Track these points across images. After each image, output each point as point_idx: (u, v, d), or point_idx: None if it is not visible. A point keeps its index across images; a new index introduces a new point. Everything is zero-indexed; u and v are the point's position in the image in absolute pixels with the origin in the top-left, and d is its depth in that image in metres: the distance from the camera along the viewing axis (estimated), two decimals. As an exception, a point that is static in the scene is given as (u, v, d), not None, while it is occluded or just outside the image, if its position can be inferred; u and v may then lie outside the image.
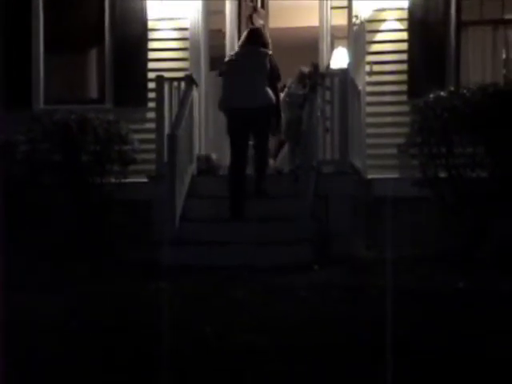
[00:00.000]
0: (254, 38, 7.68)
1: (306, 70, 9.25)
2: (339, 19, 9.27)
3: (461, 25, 8.56)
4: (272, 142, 8.90)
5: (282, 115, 8.37)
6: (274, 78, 7.57)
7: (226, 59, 7.85)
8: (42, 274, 6.33)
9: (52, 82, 9.19)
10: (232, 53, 8.01)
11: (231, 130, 7.56)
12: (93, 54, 9.25)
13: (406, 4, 8.51)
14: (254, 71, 7.47)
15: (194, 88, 8.06)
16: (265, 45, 7.74)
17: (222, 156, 8.43)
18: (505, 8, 8.53)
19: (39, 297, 5.36)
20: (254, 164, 7.67)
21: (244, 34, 7.99)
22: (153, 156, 7.88)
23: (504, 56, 8.65)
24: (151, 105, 8.48)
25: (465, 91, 7.45)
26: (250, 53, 7.59)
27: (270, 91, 7.46)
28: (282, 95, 8.69)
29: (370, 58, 8.59)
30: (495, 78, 8.33)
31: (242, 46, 7.78)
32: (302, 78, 9.18)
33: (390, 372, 3.48)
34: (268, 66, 7.50)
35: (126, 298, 5.41)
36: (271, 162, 8.85)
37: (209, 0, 9.02)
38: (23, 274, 5.89)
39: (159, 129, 7.77)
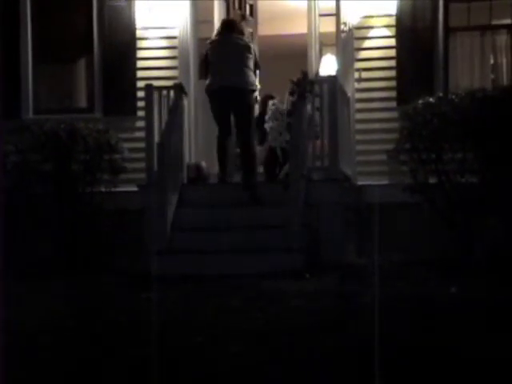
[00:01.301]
0: (230, 27, 7.87)
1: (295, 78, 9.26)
2: (327, 26, 9.29)
3: (449, 31, 8.60)
4: (262, 151, 8.96)
5: (271, 123, 8.49)
6: (256, 66, 7.83)
7: (208, 44, 7.93)
8: (30, 284, 6.29)
9: (41, 91, 9.18)
10: (211, 40, 8.01)
11: (215, 108, 7.77)
12: (82, 64, 9.24)
13: (393, 11, 8.54)
14: (240, 56, 7.68)
15: (184, 96, 8.06)
16: (241, 33, 7.93)
17: (212, 164, 8.43)
18: (492, 14, 8.57)
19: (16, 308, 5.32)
20: (240, 160, 7.86)
21: (220, 24, 8.17)
22: (143, 165, 7.87)
23: (492, 61, 8.69)
24: (141, 113, 8.47)
25: (453, 97, 7.49)
26: (233, 38, 7.77)
27: (253, 76, 7.73)
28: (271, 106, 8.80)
29: (358, 64, 8.61)
30: (483, 83, 8.36)
31: (219, 34, 7.94)
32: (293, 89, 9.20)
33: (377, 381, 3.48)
34: (253, 54, 7.74)
35: (114, 309, 5.39)
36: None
37: (197, 9, 9.03)
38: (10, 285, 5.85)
39: (149, 138, 7.76)
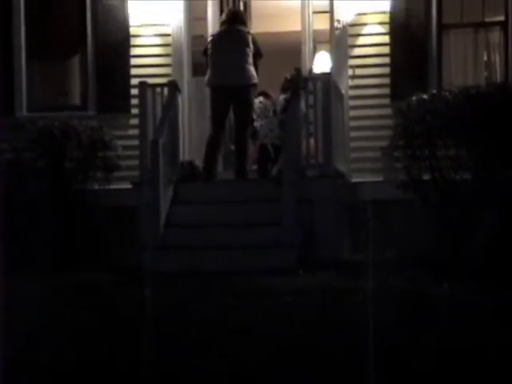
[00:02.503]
0: (234, 18, 7.94)
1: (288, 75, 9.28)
2: (321, 23, 9.29)
3: (442, 28, 8.60)
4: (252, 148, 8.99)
5: (260, 121, 8.55)
6: (257, 56, 7.89)
7: (209, 38, 8.04)
8: (24, 281, 6.28)
9: (35, 89, 9.17)
10: (214, 32, 8.17)
11: (214, 104, 7.91)
12: (75, 61, 9.22)
13: (387, 8, 8.53)
14: (238, 49, 7.76)
15: (178, 94, 8.05)
16: (244, 24, 7.99)
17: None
18: (485, 11, 8.58)
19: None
20: (234, 145, 7.96)
21: (223, 14, 8.22)
22: (137, 162, 7.86)
23: (485, 58, 8.70)
24: (134, 111, 8.46)
25: (447, 94, 7.49)
26: (232, 31, 7.85)
27: (253, 70, 7.77)
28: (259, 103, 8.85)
29: (352, 61, 8.61)
30: (477, 80, 8.38)
31: (222, 25, 8.02)
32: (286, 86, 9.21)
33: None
34: (251, 44, 7.80)
35: (107, 304, 5.39)
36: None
37: (191, 6, 9.02)
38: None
39: (143, 135, 7.75)
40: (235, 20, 7.93)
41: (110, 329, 4.68)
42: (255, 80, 7.86)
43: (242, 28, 7.92)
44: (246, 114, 7.91)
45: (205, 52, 8.05)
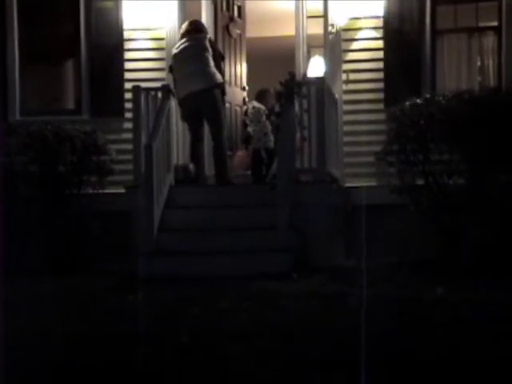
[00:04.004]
0: (191, 28, 8.05)
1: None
2: (315, 28, 9.30)
3: (436, 33, 8.62)
4: (246, 153, 9.03)
5: (253, 126, 8.58)
6: (216, 57, 7.96)
7: (172, 54, 8.15)
8: (17, 286, 6.26)
9: (28, 93, 9.14)
10: (175, 47, 8.22)
11: (186, 114, 8.04)
12: (69, 65, 9.21)
13: (381, 12, 8.55)
14: (197, 57, 7.85)
15: (171, 98, 8.05)
16: (201, 31, 8.10)
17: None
18: (479, 16, 8.60)
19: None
20: (212, 151, 8.01)
21: (183, 25, 8.32)
22: (130, 166, 7.85)
23: (479, 63, 8.72)
24: (128, 115, 8.45)
25: (440, 98, 7.50)
26: (189, 42, 7.95)
27: (214, 71, 7.85)
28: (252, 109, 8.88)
29: (346, 66, 8.62)
30: (470, 85, 8.40)
31: (181, 37, 8.13)
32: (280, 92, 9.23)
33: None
34: (209, 47, 7.88)
35: (101, 310, 5.37)
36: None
37: (185, 10, 9.02)
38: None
39: (136, 139, 7.74)
40: (191, 30, 8.03)
41: (96, 334, 4.65)
42: (219, 80, 7.91)
43: (198, 35, 7.99)
44: (216, 118, 7.95)
45: (170, 69, 8.17)
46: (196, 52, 7.90)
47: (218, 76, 7.91)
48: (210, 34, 9.17)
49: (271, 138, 8.92)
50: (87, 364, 4.03)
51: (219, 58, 8.06)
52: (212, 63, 7.89)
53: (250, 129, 8.95)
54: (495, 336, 4.35)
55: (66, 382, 3.82)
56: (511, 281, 6.03)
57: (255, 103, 9.16)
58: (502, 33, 8.47)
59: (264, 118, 8.98)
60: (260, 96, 9.25)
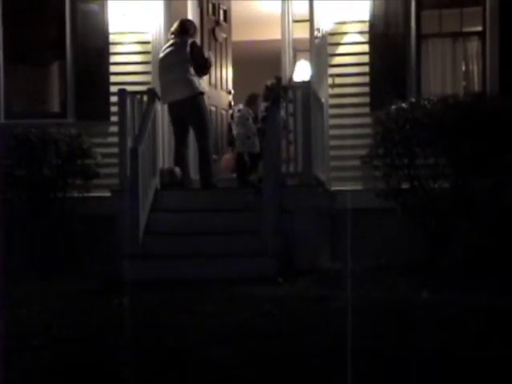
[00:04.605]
0: (178, 29, 8.08)
1: (269, 82, 9.31)
2: (301, 32, 9.32)
3: (421, 37, 8.66)
4: (231, 156, 9.02)
5: (238, 129, 8.60)
6: (198, 66, 7.96)
7: (158, 58, 8.19)
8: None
9: (13, 96, 9.09)
10: (162, 50, 8.25)
11: (171, 121, 8.19)
12: (54, 68, 9.17)
13: (367, 17, 8.58)
14: (177, 63, 7.89)
15: (157, 101, 8.04)
16: (188, 33, 8.07)
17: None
18: (463, 21, 8.65)
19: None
20: (198, 159, 8.07)
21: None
22: (116, 170, 7.82)
23: (463, 68, 8.77)
24: (114, 118, 8.42)
25: (426, 103, 7.54)
26: (172, 46, 8.00)
27: (194, 80, 7.88)
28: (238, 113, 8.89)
29: (332, 70, 8.64)
30: (455, 89, 8.44)
31: (168, 41, 8.17)
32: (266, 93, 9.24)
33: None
34: (189, 54, 7.88)
35: (86, 314, 5.35)
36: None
37: (171, 14, 9.01)
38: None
39: (122, 143, 7.71)
40: (179, 31, 8.06)
41: (77, 337, 4.63)
42: (198, 89, 7.93)
43: (182, 39, 7.99)
44: (199, 125, 7.99)
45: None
46: (177, 60, 7.91)
47: (197, 85, 7.92)
48: (196, 39, 9.20)
49: (256, 142, 8.91)
50: (66, 368, 4.00)
51: (200, 67, 7.99)
52: (193, 70, 7.89)
53: (234, 132, 8.96)
54: (479, 338, 4.37)
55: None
56: (496, 283, 6.05)
57: (241, 106, 9.17)
58: (486, 38, 8.52)
59: (250, 121, 8.98)
60: (250, 100, 9.25)
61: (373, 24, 8.57)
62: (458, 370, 3.82)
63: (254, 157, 8.77)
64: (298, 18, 9.45)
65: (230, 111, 9.52)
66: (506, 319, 4.89)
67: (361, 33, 8.61)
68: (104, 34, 8.81)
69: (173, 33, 8.14)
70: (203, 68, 8.07)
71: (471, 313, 5.03)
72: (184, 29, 8.10)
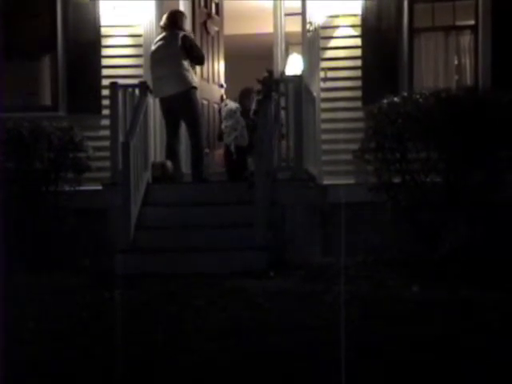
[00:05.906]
0: (168, 21, 8.06)
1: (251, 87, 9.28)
2: (293, 26, 9.30)
3: (413, 31, 8.65)
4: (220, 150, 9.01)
5: (225, 122, 8.61)
6: (192, 58, 7.97)
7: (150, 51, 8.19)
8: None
9: (4, 89, 9.05)
10: (153, 43, 8.24)
11: (163, 115, 8.20)
12: (46, 61, 9.14)
13: (359, 10, 8.56)
14: (169, 57, 7.88)
15: (149, 95, 8.02)
16: (177, 26, 8.06)
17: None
18: (456, 15, 8.65)
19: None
20: (190, 153, 8.14)
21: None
22: (107, 163, 7.82)
23: (456, 62, 8.77)
24: (105, 112, 8.40)
25: (418, 97, 7.52)
26: (163, 39, 8.00)
27: (187, 75, 7.86)
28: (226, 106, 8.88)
29: (324, 64, 8.62)
30: (447, 83, 8.45)
31: (161, 30, 8.15)
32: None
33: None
34: (181, 47, 7.86)
35: (77, 307, 5.34)
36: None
37: (162, 7, 8.99)
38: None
39: (113, 136, 7.71)
40: (169, 24, 8.05)
41: (67, 331, 4.62)
42: (191, 84, 7.93)
43: (174, 32, 7.98)
44: (191, 120, 8.02)
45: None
46: (168, 54, 7.90)
47: (190, 79, 7.92)
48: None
49: (245, 135, 8.87)
50: (55, 363, 4.00)
51: (194, 59, 8.01)
52: (185, 64, 7.88)
53: (222, 126, 8.95)
54: (466, 332, 4.38)
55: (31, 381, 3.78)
56: (486, 278, 6.07)
57: (228, 101, 9.16)
58: (478, 32, 8.51)
59: (238, 114, 8.94)
60: (244, 94, 9.22)
61: (365, 17, 8.56)
62: (448, 362, 3.82)
63: (243, 150, 8.74)
64: (290, 12, 9.43)
65: (222, 104, 9.49)
66: (494, 312, 4.90)
67: (353, 26, 8.60)
68: (95, 27, 8.78)
69: (162, 27, 8.14)
70: (200, 58, 8.09)
71: (459, 306, 5.04)
72: (173, 21, 8.08)
